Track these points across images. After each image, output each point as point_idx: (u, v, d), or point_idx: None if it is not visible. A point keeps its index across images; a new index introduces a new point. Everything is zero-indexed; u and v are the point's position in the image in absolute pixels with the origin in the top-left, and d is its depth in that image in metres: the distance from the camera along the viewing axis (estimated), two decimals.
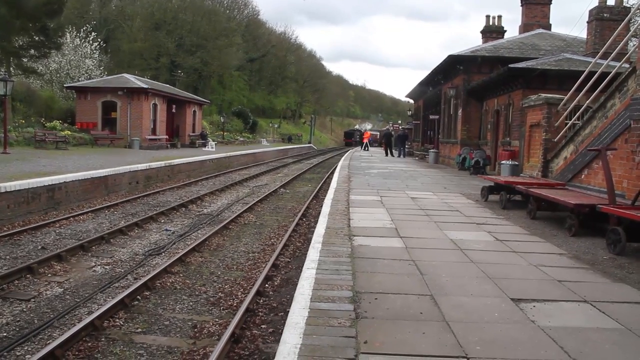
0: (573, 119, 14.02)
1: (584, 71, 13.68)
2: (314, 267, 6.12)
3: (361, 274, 5.95)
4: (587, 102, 13.18)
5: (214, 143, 39.10)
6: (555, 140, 13.91)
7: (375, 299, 5.14)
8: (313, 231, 10.83)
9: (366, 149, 48.88)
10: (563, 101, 14.01)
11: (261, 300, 7.82)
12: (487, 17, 31.49)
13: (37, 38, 29.59)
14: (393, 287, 5.55)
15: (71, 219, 13.29)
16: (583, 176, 11.81)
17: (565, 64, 19.00)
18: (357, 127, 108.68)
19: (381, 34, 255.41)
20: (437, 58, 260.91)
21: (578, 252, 7.70)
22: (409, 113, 50.61)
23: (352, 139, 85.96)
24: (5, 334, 6.39)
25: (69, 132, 29.71)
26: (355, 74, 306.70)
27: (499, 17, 31.48)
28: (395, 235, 8.34)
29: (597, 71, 13.02)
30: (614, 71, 12.26)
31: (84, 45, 41.50)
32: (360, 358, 3.82)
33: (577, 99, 13.57)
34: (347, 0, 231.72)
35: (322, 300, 5.00)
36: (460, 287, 5.69)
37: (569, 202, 8.91)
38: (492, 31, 30.90)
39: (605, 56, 13.82)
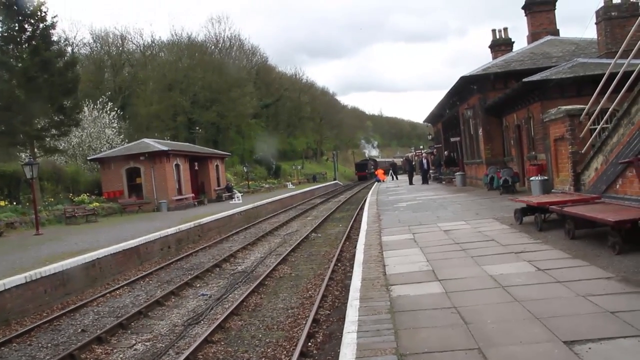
0: (600, 124, 13.58)
1: (601, 74, 13.27)
2: (354, 329, 5.92)
3: (403, 332, 5.74)
4: (613, 105, 12.70)
5: (240, 194, 39.26)
6: (582, 151, 13.53)
7: None
8: (350, 276, 10.66)
9: (378, 182, 46.40)
10: (585, 110, 13.65)
11: None
12: (493, 31, 31.32)
13: (56, 118, 30.39)
14: (438, 344, 5.31)
15: (107, 295, 13.34)
16: (618, 186, 11.40)
17: (580, 69, 18.69)
18: (368, 155, 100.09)
19: (384, 61, 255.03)
20: (444, 77, 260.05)
21: (626, 272, 7.29)
22: (430, 137, 50.29)
23: (366, 171, 77.92)
24: None
25: (97, 204, 30.21)
26: (369, 104, 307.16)
27: (505, 29, 31.32)
28: (433, 279, 8.08)
29: (618, 72, 12.52)
30: (638, 69, 11.61)
31: (102, 116, 42.48)
32: None
33: (600, 103, 13.13)
34: (345, 33, 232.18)
35: None
36: (507, 333, 5.43)
37: (608, 219, 8.53)
38: (500, 44, 30.72)
39: (624, 55, 13.19)
